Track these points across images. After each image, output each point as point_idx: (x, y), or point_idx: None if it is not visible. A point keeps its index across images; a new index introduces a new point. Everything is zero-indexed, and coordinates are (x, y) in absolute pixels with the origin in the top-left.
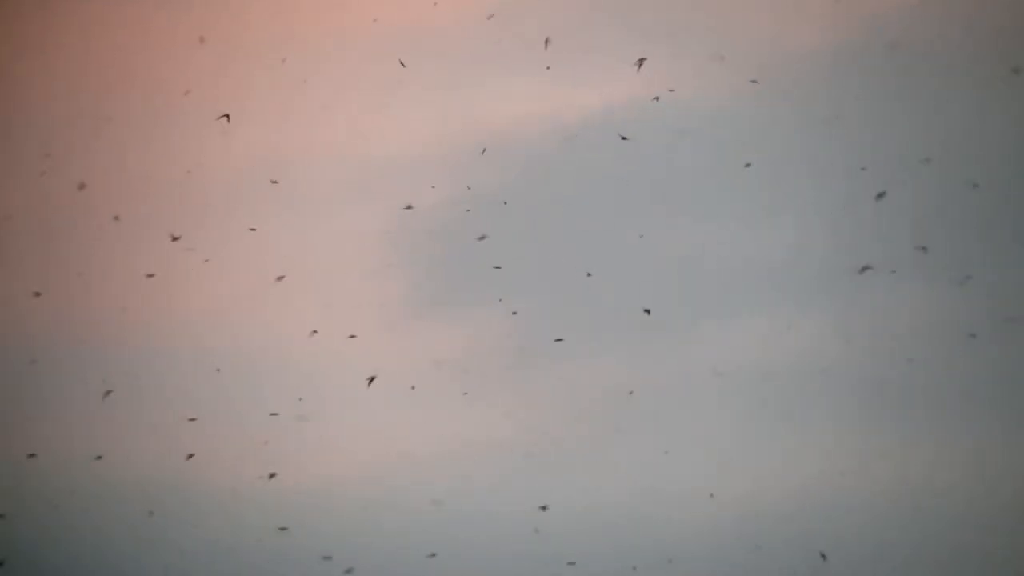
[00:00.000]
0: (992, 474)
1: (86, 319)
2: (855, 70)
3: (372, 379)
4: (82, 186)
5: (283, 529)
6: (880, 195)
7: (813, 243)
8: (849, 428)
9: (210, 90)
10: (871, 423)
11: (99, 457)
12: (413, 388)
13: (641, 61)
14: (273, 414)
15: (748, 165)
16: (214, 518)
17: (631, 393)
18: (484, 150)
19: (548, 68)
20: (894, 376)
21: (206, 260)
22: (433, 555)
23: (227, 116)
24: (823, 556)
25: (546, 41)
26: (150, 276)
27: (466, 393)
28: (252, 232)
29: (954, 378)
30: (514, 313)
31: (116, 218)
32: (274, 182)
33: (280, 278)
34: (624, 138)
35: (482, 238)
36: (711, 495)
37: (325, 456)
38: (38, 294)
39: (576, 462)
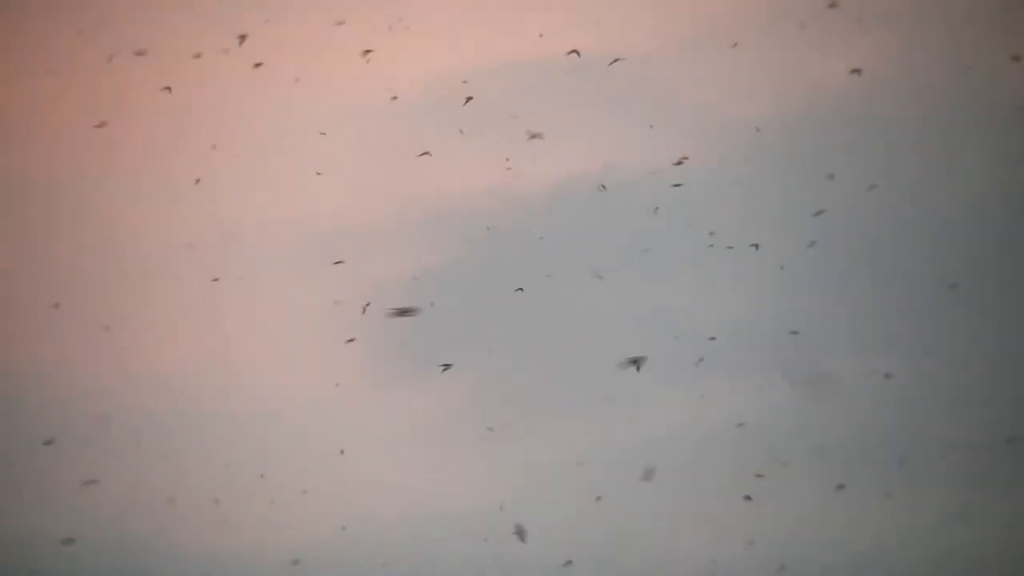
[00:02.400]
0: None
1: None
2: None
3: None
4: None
5: None
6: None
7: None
8: (801, 483)
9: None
10: (828, 477)
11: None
12: (368, 453)
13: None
14: (232, 479)
15: (712, 233)
16: None
17: (598, 458)
18: (442, 218)
19: (506, 140)
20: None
21: (166, 320)
22: None
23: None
24: None
25: (511, 116)
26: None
27: (429, 459)
28: (209, 295)
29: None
30: (463, 375)
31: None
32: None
33: (238, 344)
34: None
35: (434, 306)
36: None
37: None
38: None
39: (539, 519)
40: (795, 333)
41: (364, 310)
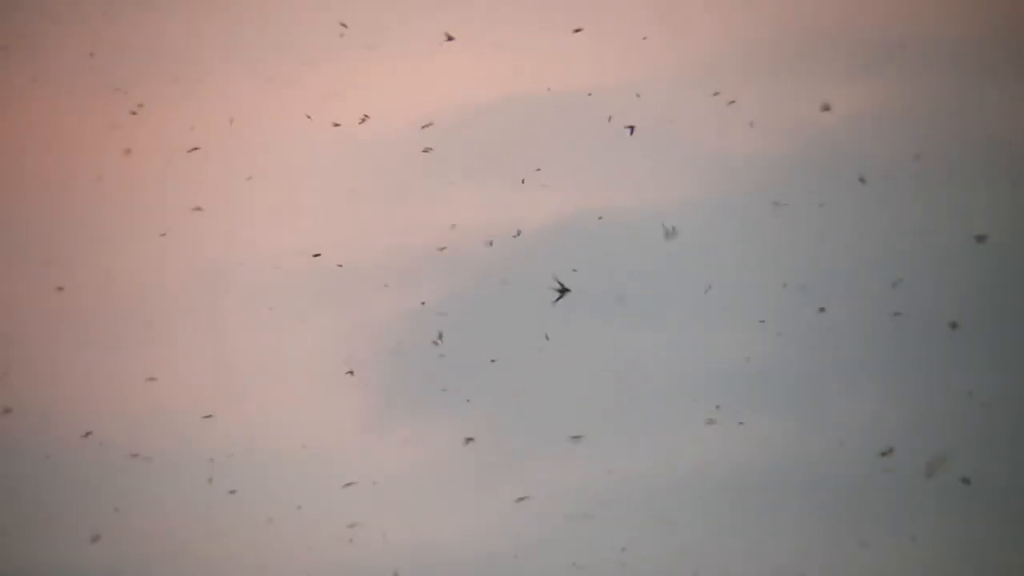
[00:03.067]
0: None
1: None
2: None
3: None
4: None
5: None
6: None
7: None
8: (802, 527)
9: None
10: (824, 522)
11: None
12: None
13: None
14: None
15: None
16: None
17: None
18: (440, 251)
19: (496, 178)
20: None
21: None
22: None
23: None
24: None
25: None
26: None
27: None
28: (205, 335)
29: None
30: (469, 440)
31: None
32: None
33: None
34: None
35: (437, 345)
36: None
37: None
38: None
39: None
40: (810, 379)
41: (364, 347)
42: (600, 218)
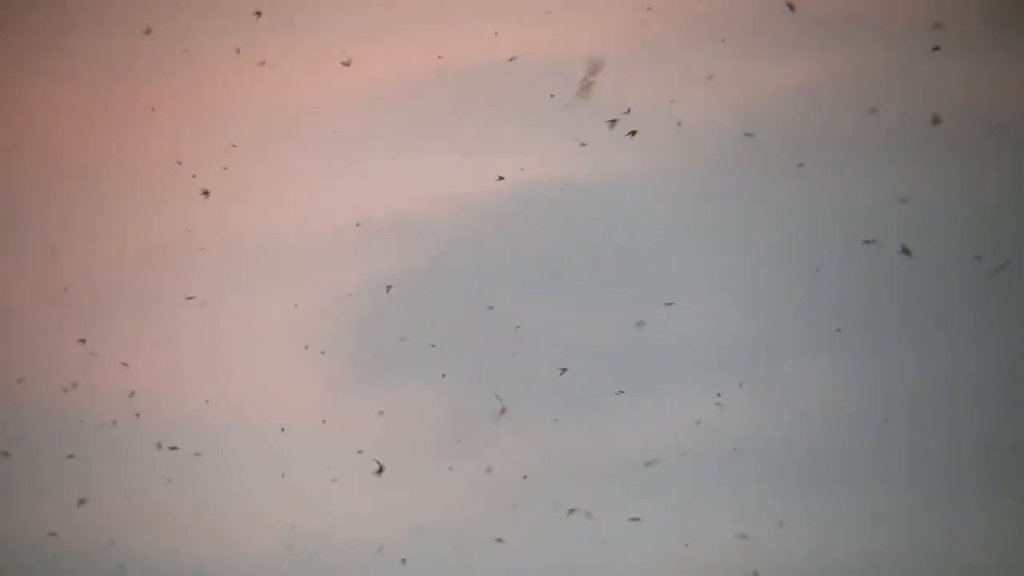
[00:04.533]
0: (912, 547)
1: None
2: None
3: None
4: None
5: None
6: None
7: (733, 321)
8: (770, 502)
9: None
10: (792, 497)
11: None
12: (334, 480)
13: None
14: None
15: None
16: None
17: (560, 476)
18: (403, 231)
19: (462, 147)
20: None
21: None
22: None
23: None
24: None
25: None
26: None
27: (380, 471)
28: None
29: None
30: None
31: (65, 289)
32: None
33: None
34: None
35: (406, 316)
36: None
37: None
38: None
39: (497, 547)
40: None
41: (329, 319)
42: (561, 190)
